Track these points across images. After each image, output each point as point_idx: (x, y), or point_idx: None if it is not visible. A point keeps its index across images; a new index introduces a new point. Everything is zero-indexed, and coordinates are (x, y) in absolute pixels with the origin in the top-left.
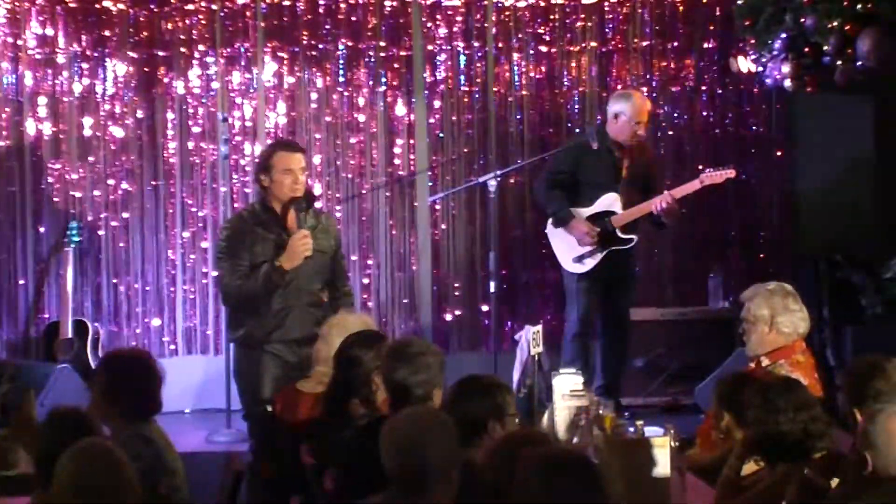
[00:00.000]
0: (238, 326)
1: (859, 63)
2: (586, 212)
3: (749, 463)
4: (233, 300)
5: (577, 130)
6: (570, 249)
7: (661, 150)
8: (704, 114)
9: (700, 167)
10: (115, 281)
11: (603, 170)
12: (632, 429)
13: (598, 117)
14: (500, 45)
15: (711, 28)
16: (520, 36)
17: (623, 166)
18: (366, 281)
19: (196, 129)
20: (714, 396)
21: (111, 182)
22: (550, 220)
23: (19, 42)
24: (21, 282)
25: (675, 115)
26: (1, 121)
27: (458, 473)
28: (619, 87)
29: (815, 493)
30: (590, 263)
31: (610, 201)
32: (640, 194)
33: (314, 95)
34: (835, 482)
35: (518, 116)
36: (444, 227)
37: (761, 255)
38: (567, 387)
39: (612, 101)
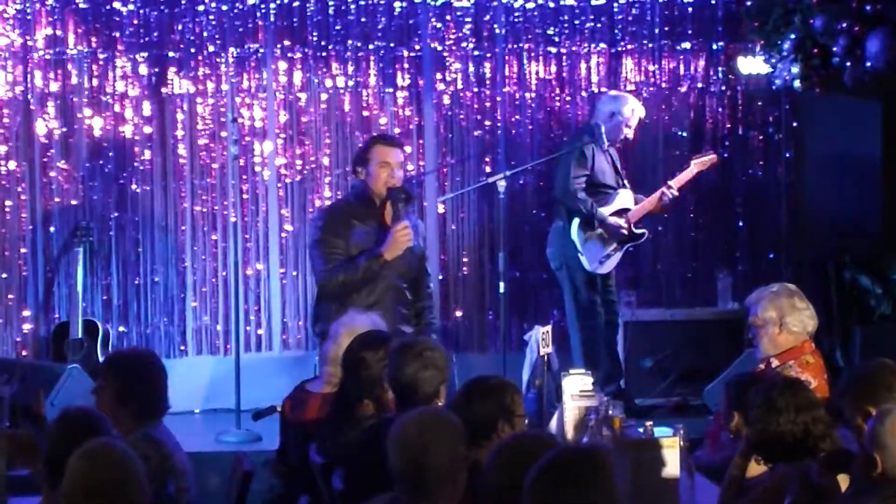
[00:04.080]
0: (327, 319)
1: (868, 64)
2: (606, 210)
3: (755, 464)
4: (330, 288)
5: (576, 132)
6: (597, 251)
7: (667, 151)
8: (712, 115)
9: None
10: (124, 281)
11: (608, 169)
12: (641, 429)
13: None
14: (510, 45)
15: (719, 29)
16: (529, 37)
17: (619, 164)
18: None
19: (206, 130)
20: (724, 397)
21: (121, 182)
22: (578, 224)
23: (29, 43)
24: (31, 282)
25: (683, 115)
26: (11, 121)
27: (466, 474)
28: (626, 87)
29: (818, 493)
30: (610, 264)
31: (626, 199)
32: (636, 190)
33: (323, 96)
34: (842, 480)
35: (527, 117)
36: (452, 227)
37: (769, 256)
38: (576, 387)
39: (608, 100)
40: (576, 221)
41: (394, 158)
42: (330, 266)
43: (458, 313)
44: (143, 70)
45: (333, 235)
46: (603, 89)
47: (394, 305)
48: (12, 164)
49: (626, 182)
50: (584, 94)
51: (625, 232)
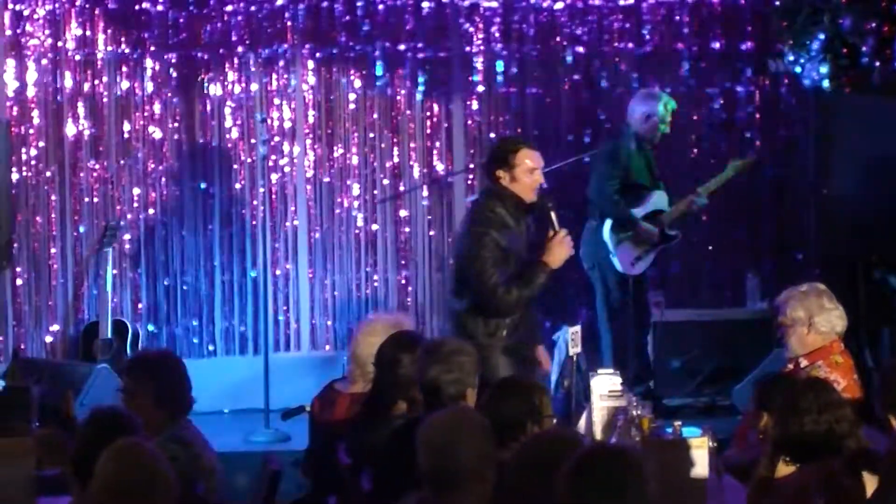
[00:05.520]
0: (476, 333)
1: None
2: (639, 212)
3: (783, 464)
4: (513, 309)
5: (606, 137)
6: (628, 253)
7: (696, 150)
8: (740, 115)
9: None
10: (154, 281)
11: (643, 170)
12: (669, 430)
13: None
14: (538, 45)
15: (749, 29)
16: (557, 37)
17: (654, 165)
18: (403, 282)
19: (235, 130)
20: (752, 397)
21: (150, 182)
22: (611, 226)
23: (59, 44)
24: (61, 282)
25: (712, 116)
26: (41, 122)
27: (494, 474)
28: (656, 88)
29: (846, 493)
30: (643, 266)
31: (660, 200)
32: (666, 191)
33: (352, 96)
34: (867, 481)
35: (555, 118)
36: None
37: (798, 257)
38: (605, 387)
39: (641, 101)
40: (608, 223)
41: (539, 162)
42: (497, 279)
43: None
44: (173, 71)
45: (495, 246)
46: (631, 89)
47: (534, 311)
48: (42, 165)
49: (660, 183)
50: (612, 94)
51: (656, 235)
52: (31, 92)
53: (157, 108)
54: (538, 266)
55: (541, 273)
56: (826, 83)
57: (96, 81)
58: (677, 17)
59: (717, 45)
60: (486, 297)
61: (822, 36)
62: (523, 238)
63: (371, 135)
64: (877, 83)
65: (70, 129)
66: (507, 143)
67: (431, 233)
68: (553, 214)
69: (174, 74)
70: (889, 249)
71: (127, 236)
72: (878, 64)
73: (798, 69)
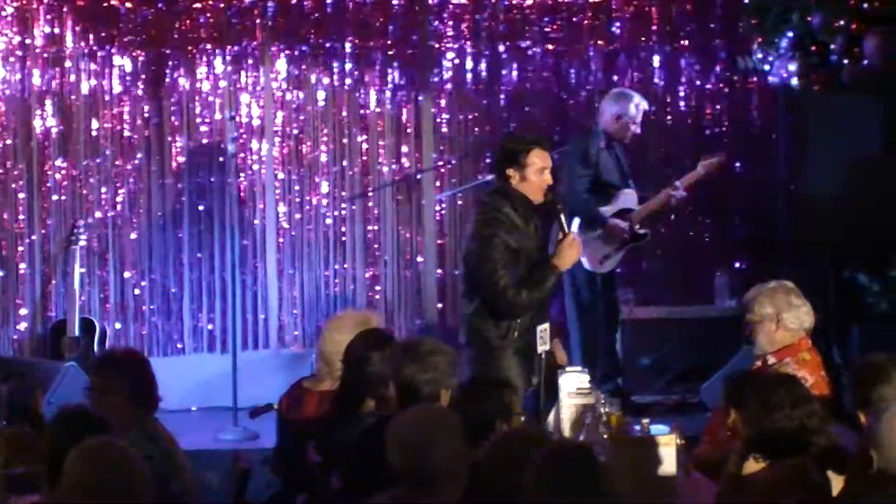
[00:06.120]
0: (486, 334)
1: (866, 62)
2: (607, 210)
3: (752, 461)
4: (523, 310)
5: (574, 135)
6: (596, 251)
7: (666, 149)
8: (710, 112)
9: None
10: (121, 279)
11: (613, 168)
12: (637, 427)
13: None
14: (508, 43)
15: (719, 27)
16: (527, 34)
17: (624, 163)
18: (372, 280)
19: (203, 128)
20: (722, 394)
21: (118, 180)
22: (580, 224)
23: (27, 41)
24: (29, 280)
25: (682, 113)
26: (9, 119)
27: (466, 472)
28: (626, 86)
29: (817, 489)
30: (611, 264)
31: (629, 199)
32: (638, 189)
33: (321, 94)
34: (833, 478)
35: (525, 115)
36: (450, 225)
37: (768, 254)
38: (574, 385)
39: (612, 101)
40: (576, 221)
41: (549, 162)
42: (507, 281)
43: (455, 311)
44: (141, 68)
45: (504, 248)
46: (600, 87)
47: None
48: (10, 163)
49: (630, 182)
50: (582, 91)
51: (626, 233)
52: None
53: (125, 105)
54: (548, 268)
55: (551, 275)
56: (795, 81)
57: (64, 79)
58: (646, 15)
59: (686, 42)
60: (497, 298)
61: (791, 34)
62: (533, 238)
63: (340, 132)
64: (846, 81)
65: (38, 126)
66: (519, 142)
67: (400, 231)
68: (562, 216)
69: (143, 72)
70: (858, 248)
71: (95, 234)
72: (846, 62)
73: (767, 67)
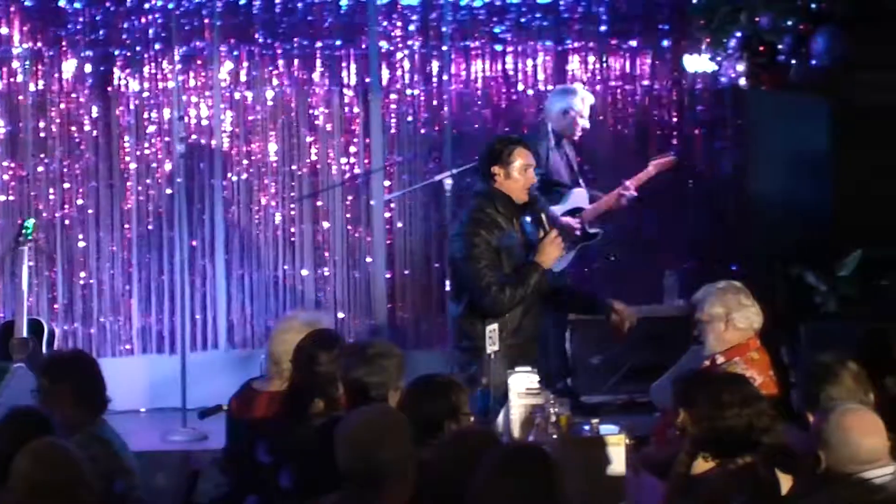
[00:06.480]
0: (477, 335)
1: (814, 62)
2: (558, 209)
3: (702, 461)
4: (506, 308)
5: (526, 131)
6: None
7: (616, 149)
8: (659, 112)
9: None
10: (70, 280)
11: (563, 168)
12: (587, 427)
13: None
14: (456, 43)
15: (666, 27)
16: (476, 34)
17: (574, 162)
18: (321, 280)
19: (152, 128)
20: (671, 394)
21: (67, 181)
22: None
23: None
24: None
25: (630, 113)
26: None
27: (415, 473)
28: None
29: (766, 488)
30: (561, 263)
31: (580, 197)
32: (589, 187)
33: (270, 94)
34: (781, 478)
35: (474, 115)
36: (399, 225)
37: (716, 254)
38: (523, 385)
39: (558, 96)
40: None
41: (532, 161)
42: (491, 279)
43: (405, 311)
44: (89, 68)
45: (486, 247)
46: (549, 87)
47: (541, 315)
48: None
49: (581, 181)
50: (531, 91)
51: (577, 232)
52: None
53: (74, 105)
54: (531, 266)
55: (534, 272)
56: (743, 81)
57: (12, 79)
58: (595, 15)
59: (635, 42)
60: (480, 296)
61: (739, 34)
62: (517, 237)
63: (289, 132)
64: (794, 81)
65: None
66: (503, 141)
67: (349, 231)
68: (544, 215)
69: (91, 72)
70: (807, 247)
71: (43, 234)
72: (794, 62)
73: (716, 67)
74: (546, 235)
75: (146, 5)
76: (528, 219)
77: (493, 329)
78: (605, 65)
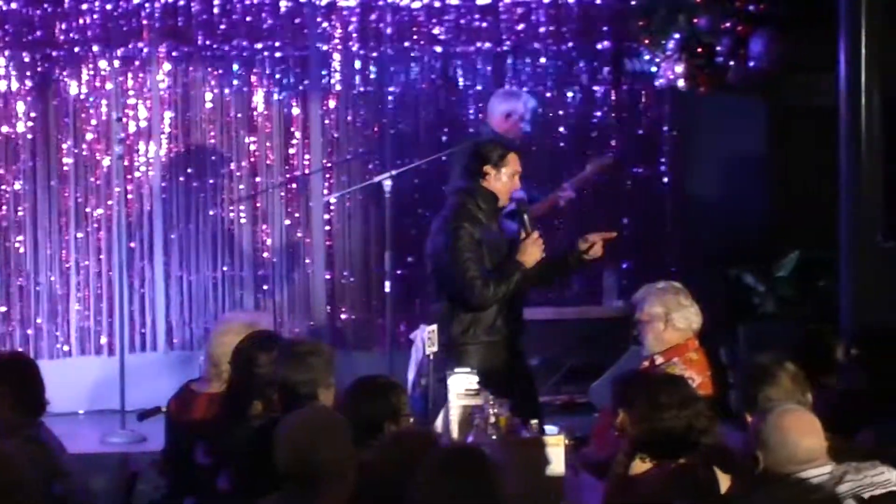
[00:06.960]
0: (460, 329)
1: (751, 63)
2: None
3: (640, 461)
4: (490, 303)
5: (471, 131)
6: None
7: (555, 151)
8: (598, 114)
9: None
10: (7, 282)
11: None
12: (526, 428)
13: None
14: (396, 45)
15: (606, 29)
16: (415, 36)
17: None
18: (260, 281)
19: (90, 130)
20: (611, 395)
21: (4, 182)
22: None
23: None
24: None
25: (570, 115)
26: None
27: (354, 474)
28: (513, 87)
29: (705, 488)
30: None
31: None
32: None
33: (209, 95)
34: (720, 478)
35: (414, 117)
36: (339, 226)
37: (655, 255)
38: (462, 386)
39: (501, 99)
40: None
41: (520, 169)
42: (475, 273)
43: (344, 313)
44: (27, 69)
45: (470, 240)
46: (486, 88)
47: (519, 312)
48: None
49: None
50: (470, 93)
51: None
52: None
53: (11, 106)
54: (514, 264)
55: (516, 271)
56: (682, 82)
57: None
58: (534, 17)
59: (573, 44)
60: (463, 289)
61: (678, 35)
62: (497, 237)
63: (228, 134)
64: (732, 82)
65: None
66: (499, 145)
67: (289, 232)
68: (526, 217)
69: (28, 73)
70: (745, 248)
71: None
72: (732, 63)
73: (654, 69)
74: (528, 236)
75: (84, 6)
76: (509, 220)
77: (431, 330)
78: (543, 67)
